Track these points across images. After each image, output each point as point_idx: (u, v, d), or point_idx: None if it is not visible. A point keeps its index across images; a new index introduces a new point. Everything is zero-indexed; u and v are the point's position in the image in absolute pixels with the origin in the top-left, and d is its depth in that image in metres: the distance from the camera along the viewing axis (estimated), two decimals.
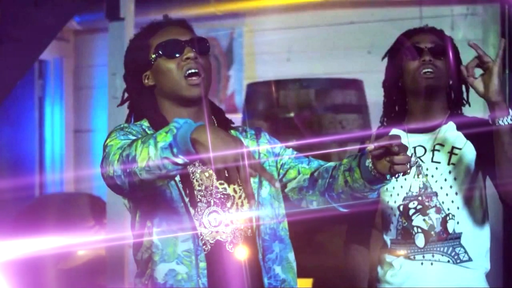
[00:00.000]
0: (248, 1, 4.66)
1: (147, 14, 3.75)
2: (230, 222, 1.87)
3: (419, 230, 2.24)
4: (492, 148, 2.10)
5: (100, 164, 1.75)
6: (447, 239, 2.22)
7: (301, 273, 2.02)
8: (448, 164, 2.25)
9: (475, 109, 2.47)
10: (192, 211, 1.83)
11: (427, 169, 2.26)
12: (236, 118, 3.07)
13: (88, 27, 5.25)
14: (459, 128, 2.28)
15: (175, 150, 1.56)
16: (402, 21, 4.21)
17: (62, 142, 5.40)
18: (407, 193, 2.27)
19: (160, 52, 1.92)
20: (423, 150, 2.29)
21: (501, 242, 3.91)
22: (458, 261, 2.22)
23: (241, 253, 1.86)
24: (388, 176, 1.76)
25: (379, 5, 4.48)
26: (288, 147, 2.05)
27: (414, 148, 2.29)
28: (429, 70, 2.24)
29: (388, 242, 2.31)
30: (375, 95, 2.88)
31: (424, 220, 2.24)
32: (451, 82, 2.32)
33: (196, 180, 1.87)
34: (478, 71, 2.11)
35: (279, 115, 3.75)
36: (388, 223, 2.30)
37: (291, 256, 1.93)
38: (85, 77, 5.44)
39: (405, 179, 2.25)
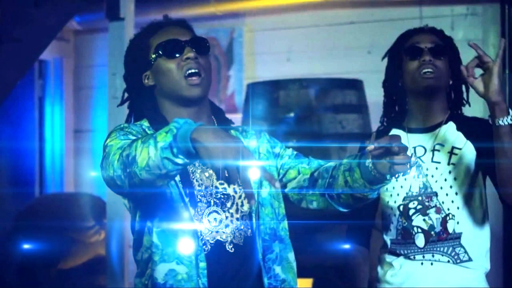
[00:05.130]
0: (248, 1, 4.66)
1: (147, 14, 3.75)
2: (230, 222, 1.87)
3: (419, 230, 2.24)
4: (492, 148, 2.10)
5: (100, 164, 1.75)
6: (447, 239, 2.22)
7: (301, 273, 2.02)
8: (448, 164, 2.25)
9: (475, 109, 2.47)
10: (192, 211, 1.83)
11: (427, 169, 2.26)
12: (236, 118, 3.07)
13: (88, 27, 5.25)
14: (459, 128, 2.28)
15: (175, 150, 1.56)
16: (402, 21, 4.21)
17: (62, 142, 5.40)
18: (407, 193, 2.27)
19: (160, 52, 1.92)
20: (423, 150, 2.29)
21: (501, 242, 3.91)
22: (458, 261, 2.22)
23: (241, 253, 1.86)
24: (388, 176, 1.76)
25: (379, 5, 4.48)
26: (288, 147, 2.05)
27: (414, 148, 2.29)
28: (429, 70, 2.24)
29: (388, 242, 2.31)
30: (375, 95, 2.88)
31: (424, 220, 2.24)
32: (451, 82, 2.32)
33: (196, 180, 1.87)
34: (478, 71, 2.11)
35: (279, 115, 3.75)
36: (388, 223, 2.30)
37: (291, 256, 1.93)
38: (85, 77, 5.44)
39: (405, 179, 2.25)
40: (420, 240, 2.24)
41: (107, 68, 3.69)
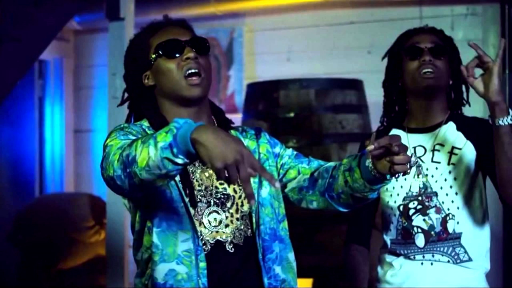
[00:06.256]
0: (248, 1, 4.66)
1: (147, 14, 3.75)
2: (230, 222, 1.87)
3: (419, 230, 2.24)
4: (492, 148, 2.10)
5: (100, 164, 1.75)
6: (447, 239, 2.22)
7: (301, 273, 2.02)
8: (448, 164, 2.25)
9: (475, 109, 2.47)
10: (192, 211, 1.83)
11: (427, 169, 2.26)
12: (236, 118, 3.07)
13: (88, 27, 5.25)
14: (459, 128, 2.28)
15: (175, 150, 1.56)
16: (402, 21, 4.21)
17: (62, 142, 5.41)
18: (407, 193, 2.27)
19: (160, 52, 1.92)
20: (423, 150, 2.29)
21: (501, 242, 3.91)
22: (458, 261, 2.22)
23: (241, 253, 1.86)
24: (388, 176, 1.76)
25: (379, 5, 4.48)
26: (288, 147, 2.05)
27: (414, 148, 2.29)
28: (429, 70, 2.23)
29: (388, 242, 2.31)
30: (375, 95, 2.89)
31: (424, 220, 2.24)
32: (451, 82, 2.32)
33: (196, 180, 1.87)
34: (478, 71, 2.11)
35: (279, 115, 3.75)
36: (388, 223, 2.30)
37: (291, 256, 1.93)
38: (85, 77, 5.45)
39: (405, 179, 2.25)
40: (420, 240, 2.24)
41: (107, 68, 3.69)
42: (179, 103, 1.92)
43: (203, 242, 1.83)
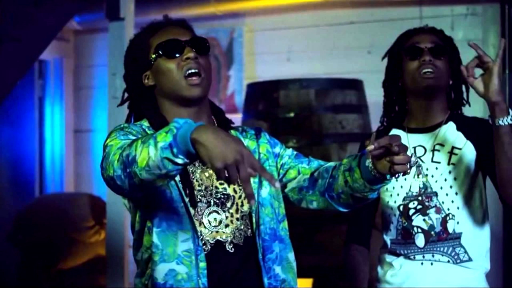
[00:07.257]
0: (248, 1, 4.66)
1: (147, 14, 3.75)
2: (230, 222, 1.87)
3: (419, 230, 2.24)
4: (492, 148, 2.10)
5: (100, 164, 1.75)
6: (447, 239, 2.22)
7: (301, 273, 2.02)
8: (448, 164, 2.25)
9: (475, 109, 2.47)
10: (192, 211, 1.83)
11: (427, 169, 2.26)
12: (236, 118, 3.07)
13: (88, 27, 5.25)
14: (459, 128, 2.28)
15: (175, 150, 1.56)
16: (402, 21, 4.21)
17: (62, 142, 5.41)
18: (407, 193, 2.27)
19: (160, 52, 1.92)
20: (423, 150, 2.29)
21: (501, 242, 3.91)
22: (458, 261, 2.22)
23: (241, 253, 1.86)
24: (388, 176, 1.77)
25: (379, 5, 4.48)
26: (288, 147, 2.05)
27: (414, 148, 2.29)
28: (429, 70, 2.23)
29: (388, 242, 2.31)
30: (375, 95, 2.89)
31: (424, 220, 2.24)
32: (451, 82, 2.32)
33: (196, 180, 1.87)
34: (478, 71, 2.11)
35: (279, 115, 3.75)
36: (388, 223, 2.30)
37: (291, 256, 1.93)
38: (85, 77, 5.45)
39: (405, 179, 2.25)
40: (420, 240, 2.24)
41: (107, 68, 3.69)
42: (179, 103, 1.92)
43: (203, 242, 1.83)
